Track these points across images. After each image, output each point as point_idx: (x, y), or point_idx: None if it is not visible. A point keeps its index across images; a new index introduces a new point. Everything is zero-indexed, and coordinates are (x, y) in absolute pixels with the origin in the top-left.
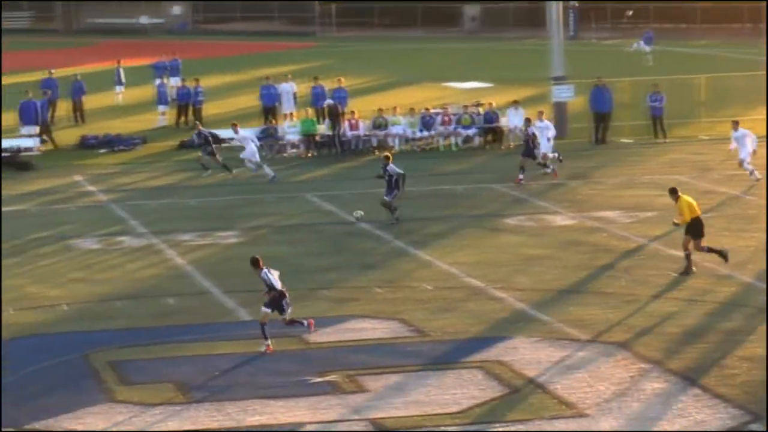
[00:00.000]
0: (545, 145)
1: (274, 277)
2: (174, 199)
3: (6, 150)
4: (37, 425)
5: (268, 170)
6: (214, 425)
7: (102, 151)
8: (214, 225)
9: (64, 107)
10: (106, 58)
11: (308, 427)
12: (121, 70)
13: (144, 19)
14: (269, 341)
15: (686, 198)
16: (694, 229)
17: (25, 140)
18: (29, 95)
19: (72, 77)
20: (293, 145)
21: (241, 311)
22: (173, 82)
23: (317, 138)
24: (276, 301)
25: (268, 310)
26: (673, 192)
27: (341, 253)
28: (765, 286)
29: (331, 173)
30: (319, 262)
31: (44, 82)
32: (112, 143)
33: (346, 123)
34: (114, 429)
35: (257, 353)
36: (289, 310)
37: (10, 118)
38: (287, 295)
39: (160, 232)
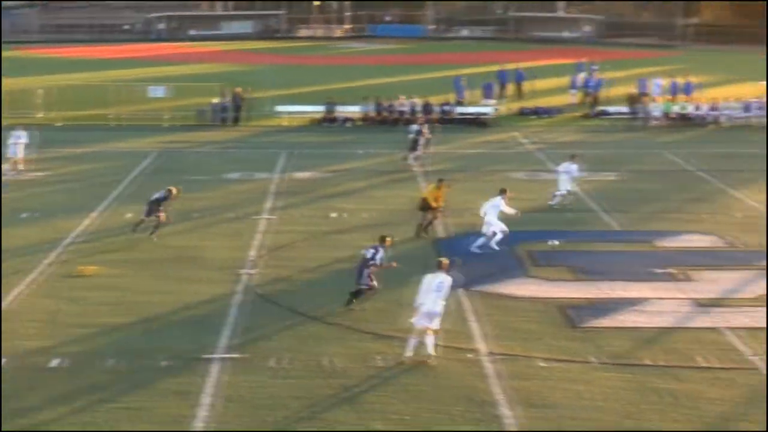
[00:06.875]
0: None
1: None
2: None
3: (470, 114)
4: (480, 288)
5: None
6: (589, 295)
7: (533, 117)
8: (601, 167)
9: (511, 89)
10: (541, 58)
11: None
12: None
13: (566, 34)
14: None
15: None
16: None
17: (483, 108)
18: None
19: (515, 69)
20: (654, 119)
21: (614, 224)
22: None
23: (672, 115)
24: None
25: None
26: None
27: (680, 192)
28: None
29: (684, 138)
30: (666, 195)
31: (499, 72)
32: (539, 112)
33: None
34: (521, 293)
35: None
36: None
37: (476, 94)
38: None
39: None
